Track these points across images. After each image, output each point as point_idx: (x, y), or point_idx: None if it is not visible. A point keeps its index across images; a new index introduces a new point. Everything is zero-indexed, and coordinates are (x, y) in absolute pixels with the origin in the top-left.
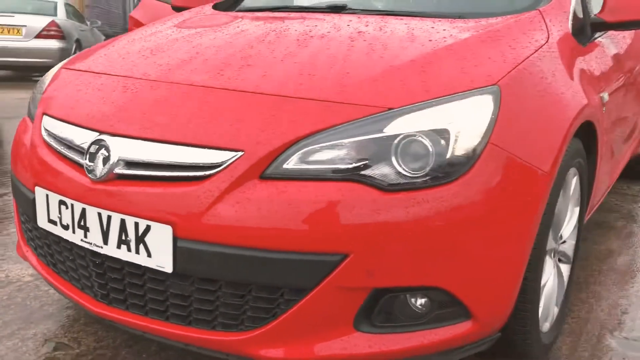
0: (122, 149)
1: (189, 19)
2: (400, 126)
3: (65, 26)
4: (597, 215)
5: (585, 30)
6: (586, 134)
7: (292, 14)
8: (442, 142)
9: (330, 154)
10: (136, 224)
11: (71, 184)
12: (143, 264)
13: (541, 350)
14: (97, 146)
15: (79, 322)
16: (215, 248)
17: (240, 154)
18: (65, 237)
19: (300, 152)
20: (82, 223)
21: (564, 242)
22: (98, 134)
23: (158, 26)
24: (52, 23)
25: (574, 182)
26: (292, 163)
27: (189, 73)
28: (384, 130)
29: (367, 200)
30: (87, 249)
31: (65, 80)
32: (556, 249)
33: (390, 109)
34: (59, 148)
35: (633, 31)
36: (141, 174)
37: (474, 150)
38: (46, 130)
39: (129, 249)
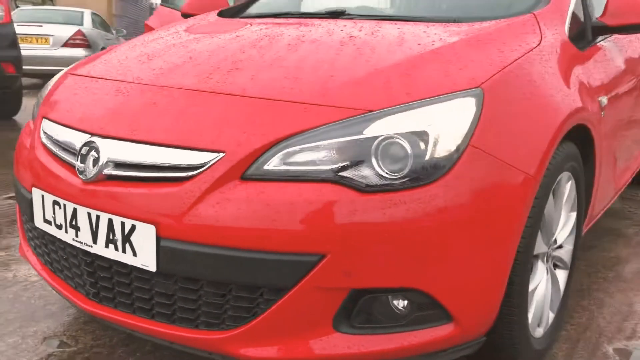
0: (111, 150)
1: (191, 26)
2: (379, 128)
3: (91, 35)
4: (607, 221)
5: (585, 34)
6: (583, 138)
7: (291, 20)
8: (421, 144)
9: (309, 156)
10: (122, 224)
11: (64, 185)
12: (129, 263)
13: (533, 355)
14: (88, 148)
15: (79, 321)
16: (196, 248)
17: (221, 155)
18: (58, 237)
19: (280, 153)
20: (73, 223)
21: (560, 247)
22: (89, 136)
23: (160, 32)
24: (79, 32)
25: (568, 187)
26: (272, 164)
27: (179, 77)
28: (363, 132)
29: (344, 201)
30: (79, 248)
31: (65, 84)
32: (549, 254)
33: (370, 111)
34: (55, 150)
35: None
36: (129, 174)
37: (454, 152)
38: (44, 132)
39: (116, 248)
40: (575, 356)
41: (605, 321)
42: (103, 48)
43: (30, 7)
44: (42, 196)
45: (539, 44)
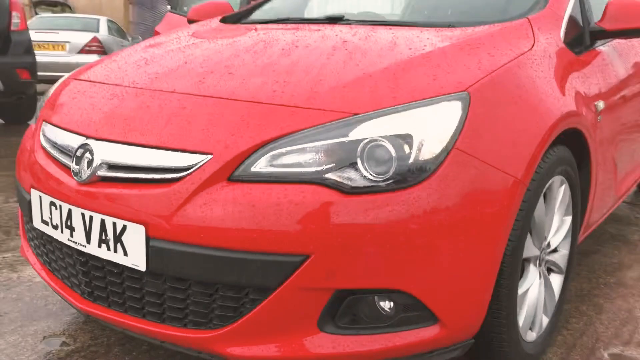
0: (104, 152)
1: (192, 31)
2: (364, 131)
3: (107, 42)
4: (613, 227)
5: (583, 38)
6: (578, 142)
7: (290, 26)
8: (405, 146)
9: (296, 158)
10: (114, 224)
11: (60, 186)
12: (120, 263)
13: (525, 359)
14: (83, 150)
15: (78, 321)
16: (183, 248)
17: (209, 157)
18: (55, 237)
19: (267, 155)
20: (68, 223)
21: (555, 251)
22: (85, 138)
23: (161, 38)
24: (94, 39)
25: (561, 191)
26: (259, 166)
27: (173, 81)
28: (348, 135)
29: (328, 202)
30: (74, 248)
31: (65, 89)
32: (542, 258)
33: (355, 114)
34: (53, 152)
35: None
36: (121, 176)
37: (438, 155)
38: (44, 135)
39: (108, 248)
40: None
41: (603, 326)
42: None
43: (49, 14)
44: (40, 197)
45: (531, 49)
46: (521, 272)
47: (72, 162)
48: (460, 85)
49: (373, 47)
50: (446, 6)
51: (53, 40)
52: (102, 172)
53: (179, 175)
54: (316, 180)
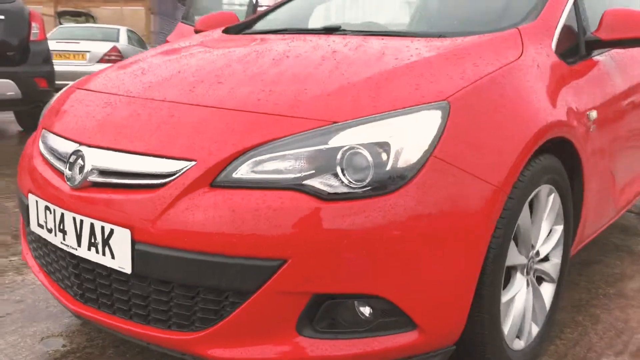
0: (95, 158)
1: (192, 41)
2: (343, 139)
3: (126, 51)
4: (617, 237)
5: (578, 48)
6: (570, 152)
7: (286, 36)
8: (383, 154)
9: (276, 164)
10: (102, 228)
11: (54, 191)
12: (108, 265)
13: None
14: (76, 156)
15: (77, 323)
16: (167, 251)
17: (192, 163)
18: (49, 240)
19: (248, 162)
20: (61, 227)
21: (545, 260)
22: (78, 145)
23: (162, 48)
24: (114, 48)
25: (550, 200)
26: (240, 172)
27: (164, 90)
28: (328, 143)
29: (305, 208)
30: (66, 251)
31: (66, 97)
32: (530, 266)
33: (335, 122)
34: (50, 158)
35: None
36: (111, 181)
37: (416, 163)
38: (42, 142)
39: (97, 251)
40: None
41: (598, 337)
42: None
43: (71, 25)
44: (36, 202)
45: (518, 58)
46: (507, 280)
47: (66, 167)
48: (441, 94)
49: (361, 57)
50: (443, 17)
51: (74, 49)
52: (93, 178)
53: (163, 180)
54: (295, 187)
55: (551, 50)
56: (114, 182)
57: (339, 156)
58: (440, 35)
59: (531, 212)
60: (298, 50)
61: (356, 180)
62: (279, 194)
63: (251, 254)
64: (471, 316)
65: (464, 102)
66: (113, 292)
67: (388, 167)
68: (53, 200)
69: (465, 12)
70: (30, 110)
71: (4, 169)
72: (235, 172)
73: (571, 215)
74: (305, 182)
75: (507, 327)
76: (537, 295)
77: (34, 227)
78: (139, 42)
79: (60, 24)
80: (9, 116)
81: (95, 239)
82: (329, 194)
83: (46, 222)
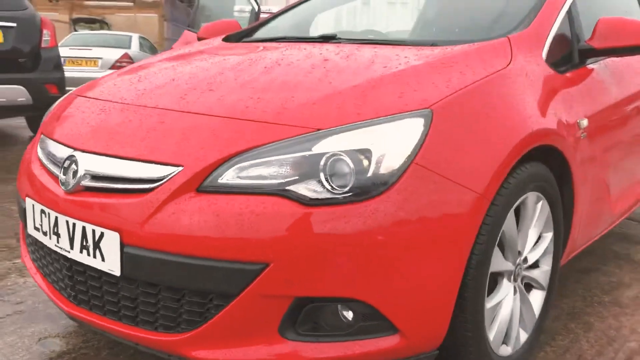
0: (88, 163)
1: (191, 49)
2: (326, 145)
3: (137, 58)
4: (617, 245)
5: (571, 56)
6: (559, 160)
7: (282, 44)
8: (364, 161)
9: (260, 170)
10: (93, 231)
11: (50, 195)
12: (98, 268)
13: None
14: (70, 161)
15: (74, 325)
16: (154, 254)
17: (179, 169)
18: (45, 243)
19: (233, 168)
20: (55, 230)
21: (535, 267)
22: (72, 150)
23: (162, 55)
24: (125, 55)
25: (539, 207)
26: (226, 178)
27: (157, 97)
28: (311, 149)
29: (287, 213)
30: (60, 254)
31: (65, 104)
32: (517, 273)
33: (319, 129)
34: (46, 163)
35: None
36: (103, 186)
37: (397, 169)
38: (40, 147)
39: (88, 254)
40: None
41: (589, 344)
42: None
43: (84, 32)
44: (33, 205)
45: (505, 67)
46: (494, 285)
47: (60, 172)
48: (424, 102)
49: (351, 66)
50: (439, 26)
51: (86, 56)
52: (86, 182)
53: (152, 185)
54: (278, 192)
55: (541, 59)
56: (105, 186)
57: (322, 162)
58: (433, 44)
59: (518, 219)
60: (290, 59)
61: (338, 186)
62: (262, 199)
63: (234, 258)
64: (454, 321)
65: (447, 110)
66: (103, 294)
67: (369, 174)
68: (48, 203)
69: (460, 21)
70: (40, 116)
71: (13, 173)
72: (221, 178)
73: (561, 223)
74: (288, 187)
75: (492, 333)
76: (525, 302)
77: (30, 230)
78: (151, 48)
79: (75, 30)
80: (20, 122)
81: (86, 241)
82: (311, 199)
83: (42, 225)
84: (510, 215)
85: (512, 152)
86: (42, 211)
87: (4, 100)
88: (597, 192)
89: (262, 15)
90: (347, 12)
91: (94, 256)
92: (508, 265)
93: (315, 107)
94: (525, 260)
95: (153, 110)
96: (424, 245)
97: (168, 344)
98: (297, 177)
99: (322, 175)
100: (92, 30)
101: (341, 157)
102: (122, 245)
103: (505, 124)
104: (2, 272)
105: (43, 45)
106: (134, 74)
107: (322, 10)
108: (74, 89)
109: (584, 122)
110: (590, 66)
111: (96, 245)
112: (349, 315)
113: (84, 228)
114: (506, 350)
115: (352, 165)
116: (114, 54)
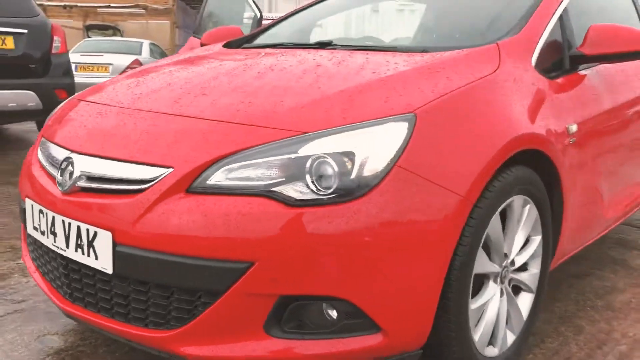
0: (84, 165)
1: (191, 55)
2: (312, 148)
3: (148, 63)
4: (615, 251)
5: (563, 63)
6: (547, 165)
7: (279, 50)
8: (348, 163)
9: (248, 172)
10: (87, 230)
11: (47, 196)
12: (92, 266)
13: None
14: (67, 163)
15: (73, 323)
16: (144, 253)
17: (170, 170)
18: (42, 242)
19: (222, 169)
20: (52, 229)
21: (523, 270)
22: (69, 152)
23: (162, 60)
24: (136, 61)
25: (526, 210)
26: (215, 179)
27: (152, 101)
28: (298, 152)
29: (272, 214)
30: (57, 252)
31: (66, 108)
32: (503, 275)
33: (305, 132)
34: (45, 164)
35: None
36: (97, 187)
37: (380, 172)
38: (40, 150)
39: (83, 252)
40: None
41: (578, 347)
42: None
43: (97, 38)
44: (32, 205)
45: (492, 72)
46: (479, 287)
47: (58, 173)
48: (408, 107)
49: (341, 71)
50: (433, 32)
51: (97, 62)
52: (82, 183)
53: (143, 186)
54: (264, 193)
55: (530, 65)
56: (100, 187)
57: (308, 165)
58: (424, 50)
59: (505, 221)
60: (284, 64)
61: (323, 188)
62: (248, 200)
63: (221, 257)
64: (437, 321)
65: (431, 114)
66: (97, 292)
67: (353, 176)
68: (46, 204)
69: (453, 28)
70: None
71: None
72: (210, 179)
73: (549, 227)
74: (274, 188)
75: (478, 334)
76: (512, 304)
77: (30, 229)
78: (161, 54)
79: (89, 37)
80: (30, 126)
81: (81, 240)
82: (296, 200)
83: (40, 225)
84: (496, 217)
85: (496, 156)
86: (41, 211)
87: (15, 105)
88: (588, 197)
89: (265, 22)
90: (347, 19)
91: (88, 255)
92: (494, 267)
93: (303, 111)
94: (513, 262)
95: (147, 113)
96: (406, 246)
97: (158, 340)
98: (283, 179)
99: (307, 177)
100: (105, 36)
101: (326, 159)
102: (115, 244)
103: (490, 128)
104: (6, 272)
105: (53, 51)
106: (133, 78)
107: (321, 17)
108: None
109: (573, 128)
110: (582, 72)
111: (90, 244)
112: (333, 313)
113: (78, 227)
114: (492, 351)
115: (336, 167)
116: (125, 60)
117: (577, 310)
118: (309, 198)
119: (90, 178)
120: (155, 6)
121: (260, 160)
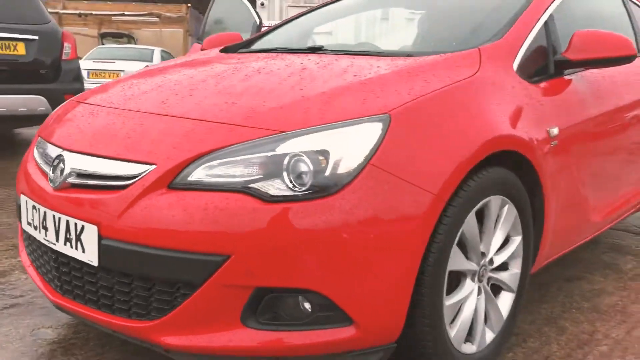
0: (74, 162)
1: (187, 59)
2: (288, 147)
3: None
4: (607, 255)
5: (547, 67)
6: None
7: (270, 55)
8: (323, 161)
9: (227, 169)
10: (75, 224)
11: (40, 192)
12: (80, 259)
13: None
14: (58, 160)
15: (67, 317)
16: (127, 246)
17: (152, 167)
18: (35, 236)
19: (202, 166)
20: (44, 224)
21: (503, 269)
22: (61, 150)
23: (159, 65)
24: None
25: (505, 210)
26: (195, 176)
27: (141, 102)
28: (275, 150)
29: (248, 208)
30: (48, 246)
31: (63, 108)
32: (481, 273)
33: (283, 132)
34: (40, 162)
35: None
36: (86, 183)
37: (354, 170)
38: (36, 148)
39: (71, 246)
40: None
41: (559, 347)
42: None
43: (110, 45)
44: (26, 201)
45: (471, 76)
46: (456, 284)
47: (50, 170)
48: (384, 108)
49: (325, 74)
50: (419, 38)
51: (109, 69)
52: (72, 180)
53: (127, 182)
54: (241, 189)
55: (511, 69)
56: (88, 183)
57: (285, 162)
58: (408, 55)
59: (481, 221)
60: (271, 68)
61: (299, 184)
62: (226, 195)
63: (199, 250)
64: (411, 316)
65: (406, 115)
66: (84, 284)
67: (327, 173)
68: (38, 199)
69: (441, 34)
70: None
71: None
72: (191, 176)
73: (530, 228)
74: (251, 185)
75: (454, 330)
76: (491, 303)
77: (24, 225)
78: None
79: (103, 44)
80: None
81: (70, 234)
82: (272, 196)
83: (33, 220)
84: (471, 216)
85: (470, 156)
86: (34, 207)
87: (25, 109)
88: (572, 200)
89: (264, 28)
90: (343, 25)
91: (76, 248)
92: (471, 265)
93: (282, 111)
94: (492, 261)
95: (135, 113)
96: (378, 241)
97: (139, 330)
98: (261, 176)
99: (285, 174)
100: (119, 44)
101: (302, 157)
102: (100, 238)
103: (465, 129)
104: (7, 269)
105: (64, 57)
106: (127, 81)
107: (318, 23)
108: None
109: (554, 131)
110: (567, 77)
111: (78, 237)
112: (307, 305)
113: (67, 222)
114: (470, 348)
115: (310, 165)
116: (136, 67)
117: (562, 312)
118: (285, 194)
119: (80, 175)
120: (168, 14)
121: (239, 158)
